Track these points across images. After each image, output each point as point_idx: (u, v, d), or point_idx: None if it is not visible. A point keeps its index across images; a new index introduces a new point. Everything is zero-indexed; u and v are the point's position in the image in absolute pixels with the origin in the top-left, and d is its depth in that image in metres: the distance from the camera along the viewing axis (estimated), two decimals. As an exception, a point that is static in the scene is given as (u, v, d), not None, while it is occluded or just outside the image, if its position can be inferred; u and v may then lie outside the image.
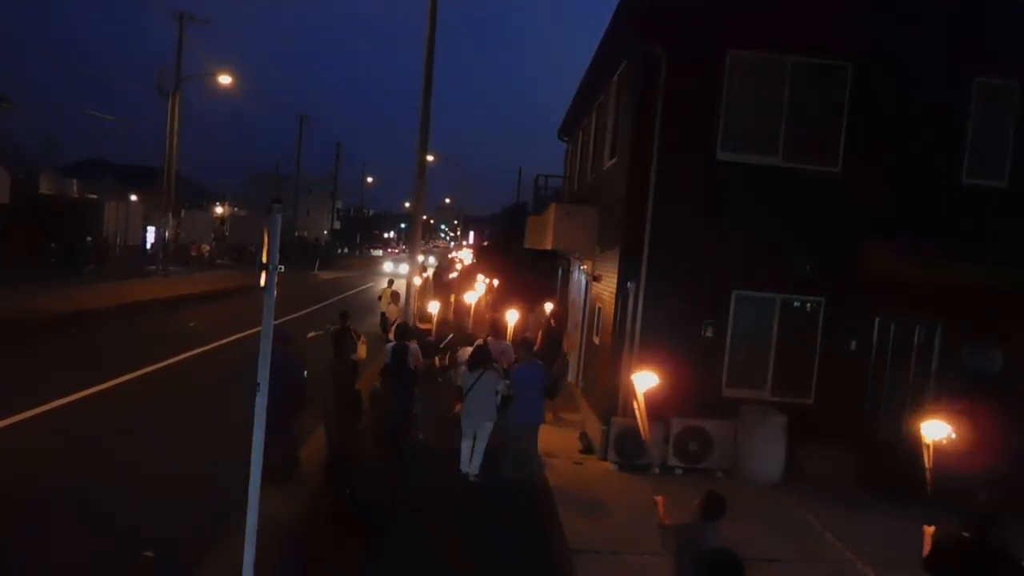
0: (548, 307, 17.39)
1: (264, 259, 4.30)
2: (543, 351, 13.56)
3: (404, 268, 39.96)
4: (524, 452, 9.91)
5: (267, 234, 4.33)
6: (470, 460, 9.79)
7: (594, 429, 11.70)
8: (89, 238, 38.48)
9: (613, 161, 12.96)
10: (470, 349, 10.98)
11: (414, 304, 17.41)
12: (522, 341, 11.37)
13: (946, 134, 11.02)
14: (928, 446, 6.77)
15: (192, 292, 29.31)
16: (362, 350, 13.07)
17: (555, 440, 11.51)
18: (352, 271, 56.32)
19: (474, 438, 9.79)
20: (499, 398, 9.89)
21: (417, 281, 21.06)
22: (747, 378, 11.15)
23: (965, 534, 4.86)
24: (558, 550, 7.83)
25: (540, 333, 14.92)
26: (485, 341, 11.33)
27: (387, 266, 52.10)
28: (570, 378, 15.80)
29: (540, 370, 10.32)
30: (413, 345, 11.21)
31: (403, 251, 74.25)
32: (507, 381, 10.10)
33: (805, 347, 11.19)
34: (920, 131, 10.94)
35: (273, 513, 7.21)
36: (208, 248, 50.78)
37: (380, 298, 21.07)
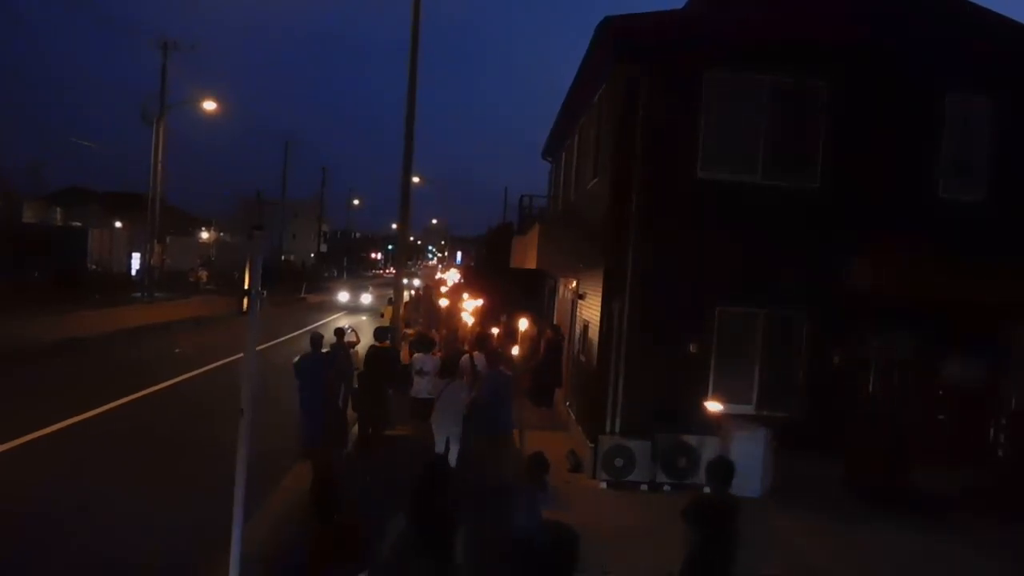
0: (523, 323, 17.86)
1: (246, 285, 4.34)
2: (546, 360, 14.54)
3: (367, 298, 36.64)
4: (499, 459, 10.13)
5: (249, 260, 4.38)
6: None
7: (582, 447, 11.72)
8: (95, 267, 38.49)
9: (595, 180, 13.09)
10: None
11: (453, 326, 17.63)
12: (493, 353, 11.61)
13: (923, 149, 11.22)
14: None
15: (177, 318, 29.17)
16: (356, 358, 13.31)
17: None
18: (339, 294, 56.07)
19: (447, 441, 10.08)
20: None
21: (444, 302, 21.13)
22: (733, 393, 11.20)
23: (707, 489, 6.23)
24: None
25: (543, 343, 15.38)
26: (471, 356, 11.51)
27: (341, 296, 40.76)
28: (558, 396, 15.87)
29: (508, 380, 10.56)
30: (431, 357, 11.50)
31: (391, 273, 73.86)
32: (472, 393, 10.37)
33: (789, 361, 11.29)
34: (897, 147, 11.13)
35: (259, 538, 7.23)
36: (207, 274, 50.69)
37: (383, 315, 21.39)
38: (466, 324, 18.69)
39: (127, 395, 14.75)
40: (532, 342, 15.73)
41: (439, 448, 10.16)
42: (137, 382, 15.85)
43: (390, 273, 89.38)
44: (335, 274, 79.88)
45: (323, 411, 10.28)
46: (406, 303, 22.58)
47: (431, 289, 34.24)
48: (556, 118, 18.29)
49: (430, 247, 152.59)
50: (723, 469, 5.97)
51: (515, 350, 12.73)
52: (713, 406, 9.99)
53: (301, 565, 4.57)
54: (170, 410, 14.27)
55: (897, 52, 10.87)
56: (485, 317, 21.74)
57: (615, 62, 11.56)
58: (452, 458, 10.21)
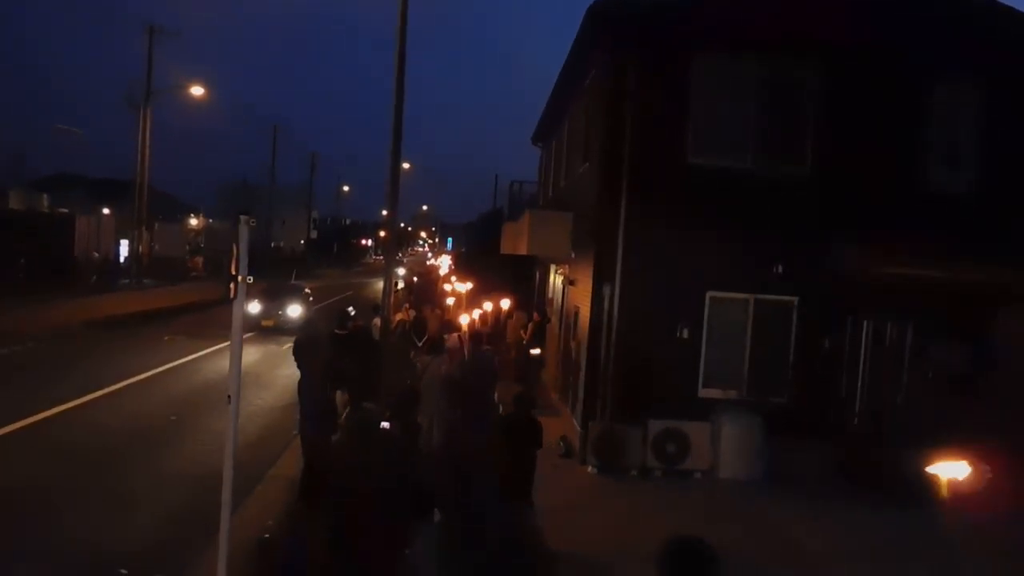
0: (505, 303, 18.61)
1: (233, 271, 4.29)
2: (531, 341, 15.33)
3: (295, 310, 23.56)
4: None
5: (236, 246, 4.32)
6: (430, 437, 10.22)
7: (573, 433, 11.74)
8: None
9: (586, 166, 13.04)
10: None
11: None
12: (473, 334, 12.06)
13: (913, 136, 11.21)
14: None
15: (167, 305, 29.01)
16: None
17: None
18: (329, 281, 55.76)
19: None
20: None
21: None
22: (723, 378, 11.24)
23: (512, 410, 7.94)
24: (538, 553, 7.82)
25: (530, 326, 15.98)
26: (459, 336, 11.78)
27: (253, 307, 23.03)
28: (548, 382, 15.95)
29: (490, 359, 11.09)
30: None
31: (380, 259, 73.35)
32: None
33: (780, 347, 11.30)
34: (888, 133, 11.11)
35: (251, 533, 7.20)
36: (202, 260, 50.33)
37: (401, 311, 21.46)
38: (451, 306, 19.01)
39: (120, 381, 14.62)
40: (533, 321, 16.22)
41: (423, 418, 10.25)
42: (133, 368, 15.72)
43: (379, 259, 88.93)
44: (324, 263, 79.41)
45: (315, 395, 10.24)
46: (397, 291, 22.72)
47: (428, 275, 34.64)
48: (546, 104, 18.21)
49: (422, 234, 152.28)
50: (528, 399, 8.04)
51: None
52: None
53: (301, 553, 4.56)
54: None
55: (888, 40, 10.84)
56: (472, 300, 22.04)
57: (605, 48, 11.49)
58: (436, 434, 10.26)
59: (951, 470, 6.00)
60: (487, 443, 7.78)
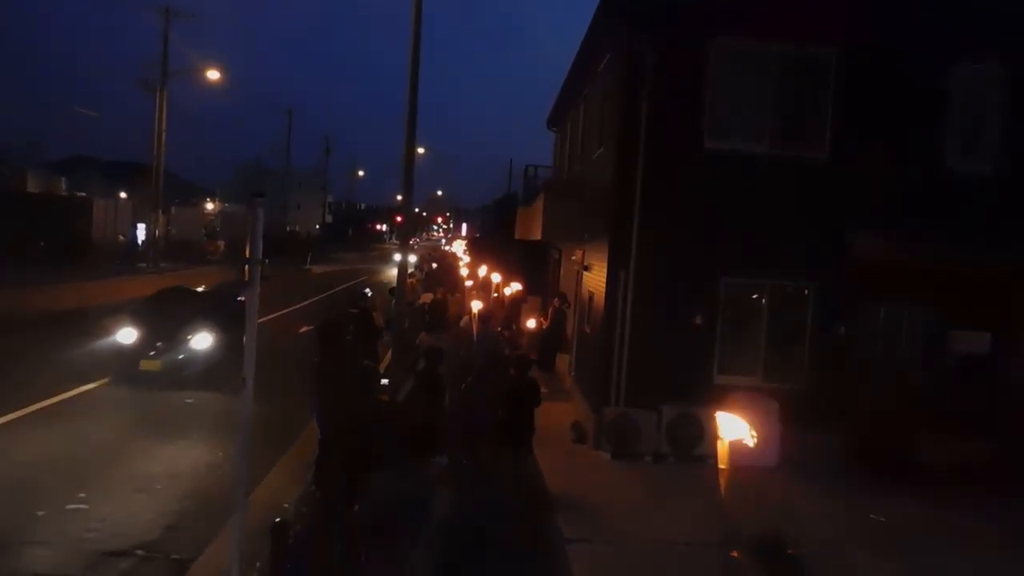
0: (516, 286, 19.03)
1: (248, 254, 4.28)
2: (551, 327, 15.68)
3: (202, 340, 13.23)
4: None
5: (250, 229, 4.32)
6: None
7: (586, 418, 11.73)
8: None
9: (601, 151, 12.96)
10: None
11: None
12: (482, 316, 12.33)
13: (932, 121, 11.04)
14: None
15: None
16: (378, 318, 13.80)
17: (546, 429, 11.52)
18: (344, 265, 55.98)
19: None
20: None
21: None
22: (738, 365, 11.18)
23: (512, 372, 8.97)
24: (552, 539, 7.85)
25: (549, 311, 16.43)
26: (470, 317, 12.13)
27: (125, 335, 13.06)
28: (562, 367, 15.94)
29: (495, 338, 11.60)
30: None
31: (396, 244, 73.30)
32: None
33: (795, 333, 11.22)
34: (906, 118, 10.96)
35: (266, 516, 7.25)
36: (223, 244, 50.58)
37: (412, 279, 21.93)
38: (467, 289, 19.34)
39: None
40: (551, 306, 16.50)
41: None
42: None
43: (395, 245, 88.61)
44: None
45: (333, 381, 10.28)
46: (412, 276, 23.02)
47: (445, 261, 35.02)
48: (562, 87, 18.10)
49: (438, 219, 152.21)
50: (527, 362, 9.10)
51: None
52: None
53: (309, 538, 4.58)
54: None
55: (907, 21, 10.67)
56: (486, 284, 22.24)
57: (621, 32, 11.38)
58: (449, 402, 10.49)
59: (732, 427, 6.02)
60: (492, 408, 8.34)
